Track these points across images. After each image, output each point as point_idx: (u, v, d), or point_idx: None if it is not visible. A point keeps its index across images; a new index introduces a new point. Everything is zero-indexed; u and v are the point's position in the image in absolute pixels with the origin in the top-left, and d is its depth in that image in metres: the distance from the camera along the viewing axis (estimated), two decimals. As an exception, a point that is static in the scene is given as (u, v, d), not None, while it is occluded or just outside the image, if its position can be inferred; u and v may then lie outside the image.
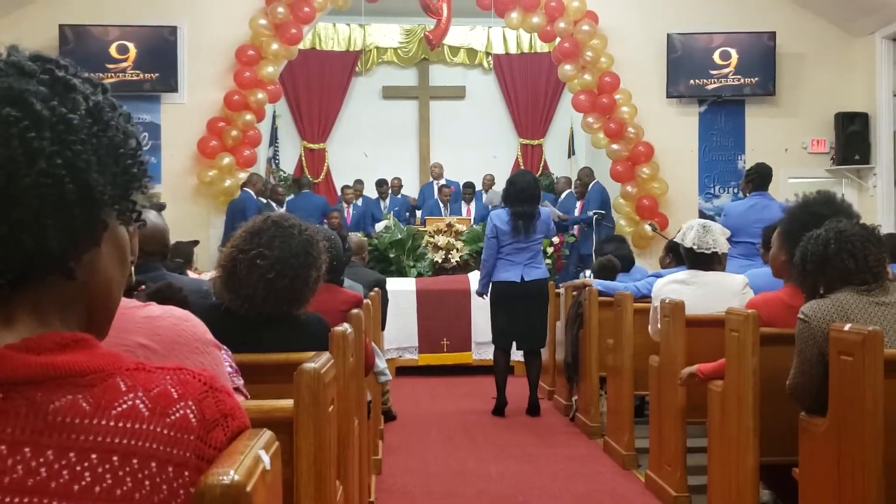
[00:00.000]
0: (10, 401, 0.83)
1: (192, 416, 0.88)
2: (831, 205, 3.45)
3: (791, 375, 2.99)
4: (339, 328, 2.55)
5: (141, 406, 0.86)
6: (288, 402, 1.85)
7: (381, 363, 4.19)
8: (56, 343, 0.87)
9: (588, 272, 6.41)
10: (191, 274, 5.32)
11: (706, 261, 4.54)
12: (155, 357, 1.86)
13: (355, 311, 3.38)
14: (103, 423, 0.84)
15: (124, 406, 0.86)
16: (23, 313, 0.89)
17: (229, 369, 2.25)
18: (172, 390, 0.89)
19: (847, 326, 2.70)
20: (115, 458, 0.83)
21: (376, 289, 5.84)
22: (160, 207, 9.55)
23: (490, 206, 10.97)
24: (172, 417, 0.87)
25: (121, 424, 0.85)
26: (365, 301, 4.08)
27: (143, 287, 2.47)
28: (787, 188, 10.80)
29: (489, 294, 6.64)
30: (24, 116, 0.86)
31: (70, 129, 0.89)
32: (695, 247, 4.50)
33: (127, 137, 0.98)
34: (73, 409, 0.84)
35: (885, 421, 2.60)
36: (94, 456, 0.83)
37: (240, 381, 2.30)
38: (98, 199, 0.91)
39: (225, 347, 2.31)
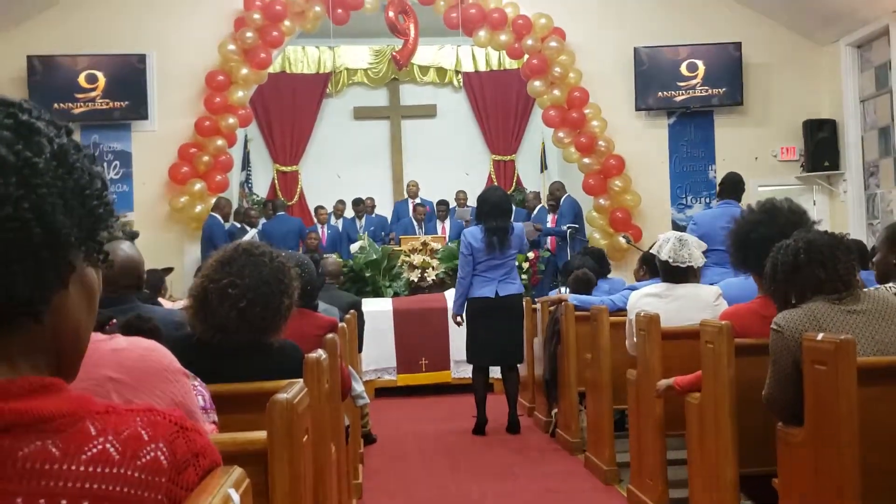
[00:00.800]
0: None
1: (162, 457, 0.88)
2: (775, 215, 3.56)
3: (766, 386, 3.00)
4: (312, 355, 2.53)
5: (111, 450, 0.86)
6: (261, 434, 1.84)
7: (358, 387, 4.17)
8: (24, 388, 0.86)
9: (563, 288, 6.41)
10: (164, 302, 5.28)
11: (681, 274, 4.55)
12: (124, 389, 1.84)
13: (330, 335, 3.37)
14: (73, 468, 0.84)
15: (94, 450, 0.85)
16: None
17: (202, 402, 2.23)
18: (143, 432, 0.89)
19: (820, 336, 2.71)
20: None
21: (352, 311, 5.83)
22: (133, 236, 9.48)
23: (462, 222, 11.00)
24: (143, 460, 0.87)
25: (91, 469, 0.84)
26: (340, 324, 4.06)
27: (115, 321, 2.45)
28: (758, 196, 10.86)
29: (465, 311, 6.62)
30: None
31: (35, 172, 0.88)
32: (670, 260, 4.51)
33: (92, 178, 0.97)
34: (43, 455, 0.83)
35: (860, 428, 2.61)
36: (64, 502, 0.82)
37: (214, 416, 2.28)
38: (65, 241, 0.90)
39: (199, 380, 2.29)
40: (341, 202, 12.46)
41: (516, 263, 6.87)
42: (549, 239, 10.63)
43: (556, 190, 11.14)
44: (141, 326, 2.41)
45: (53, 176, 0.91)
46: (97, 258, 0.99)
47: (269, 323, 2.59)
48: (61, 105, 10.22)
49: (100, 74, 10.32)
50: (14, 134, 0.90)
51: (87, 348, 1.02)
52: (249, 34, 10.35)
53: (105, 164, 10.47)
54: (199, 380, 2.29)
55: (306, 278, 3.61)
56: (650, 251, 5.87)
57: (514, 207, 11.66)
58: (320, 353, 2.57)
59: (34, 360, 0.92)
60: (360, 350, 6.42)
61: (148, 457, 0.87)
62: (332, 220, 12.15)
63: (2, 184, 0.85)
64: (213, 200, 10.27)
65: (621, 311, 5.36)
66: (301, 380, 2.19)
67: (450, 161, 14.15)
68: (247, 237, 10.14)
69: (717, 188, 7.23)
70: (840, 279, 2.89)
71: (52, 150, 0.92)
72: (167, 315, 3.30)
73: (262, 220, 11.26)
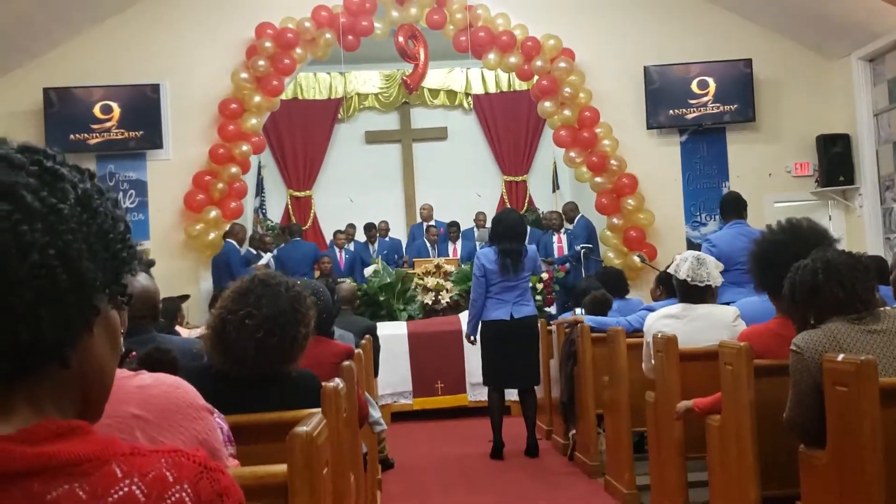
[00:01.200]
0: (6, 493, 0.83)
1: (187, 498, 0.89)
2: (793, 232, 3.51)
3: (787, 408, 2.97)
4: (330, 384, 2.53)
5: (137, 492, 0.87)
6: (282, 467, 1.84)
7: (375, 413, 4.16)
8: (51, 432, 0.87)
9: (579, 309, 6.39)
10: (181, 330, 5.29)
11: (699, 293, 4.51)
12: (149, 426, 1.85)
13: (347, 362, 3.36)
14: None
15: (121, 493, 0.86)
16: (18, 403, 0.89)
17: (221, 436, 2.23)
18: (168, 474, 0.89)
19: (840, 357, 2.69)
20: None
21: (367, 336, 5.82)
22: (149, 264, 9.53)
23: (481, 245, 11.00)
24: (169, 501, 0.88)
25: None
26: (356, 351, 4.06)
27: (134, 353, 2.46)
28: (774, 213, 10.85)
29: (480, 334, 6.60)
30: (16, 210, 0.87)
31: (61, 218, 0.90)
32: (689, 279, 4.47)
33: (115, 222, 0.99)
34: (71, 499, 0.84)
35: (885, 450, 2.59)
36: None
37: (232, 449, 2.28)
38: (90, 285, 0.92)
39: (218, 413, 2.29)
40: (352, 226, 12.48)
41: (530, 285, 6.86)
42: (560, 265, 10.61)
43: (570, 210, 11.15)
44: (160, 359, 2.41)
45: (78, 221, 0.92)
46: (121, 300, 1.00)
47: (287, 353, 2.59)
48: (77, 136, 10.31)
49: (114, 105, 10.41)
50: (39, 181, 0.91)
51: (111, 388, 1.03)
52: (262, 62, 10.43)
53: (121, 194, 10.53)
54: (217, 412, 2.29)
55: (322, 306, 3.61)
56: (667, 271, 5.86)
57: (528, 229, 11.73)
58: (338, 383, 2.56)
59: (60, 403, 0.93)
60: (375, 375, 6.41)
61: (173, 498, 0.88)
62: (346, 244, 12.16)
63: (28, 231, 0.86)
64: (228, 227, 10.31)
65: (638, 331, 5.34)
66: (319, 410, 2.18)
67: (462, 183, 14.17)
68: (262, 262, 10.19)
69: (721, 211, 7.13)
70: (859, 299, 2.87)
71: (76, 196, 0.94)
72: (184, 344, 3.32)
73: (276, 246, 11.27)
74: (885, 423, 2.59)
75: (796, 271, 3.01)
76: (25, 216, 0.87)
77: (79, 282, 0.90)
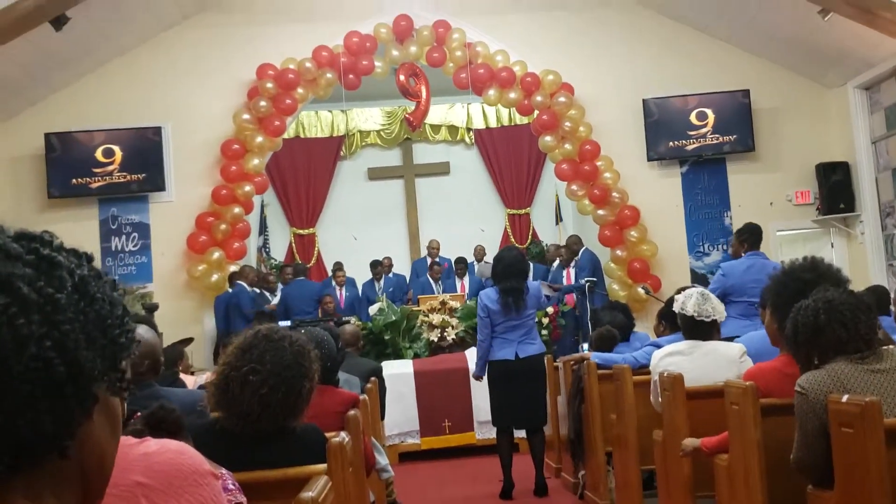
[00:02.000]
0: None
1: None
2: (816, 269, 3.47)
3: (794, 449, 2.96)
4: (336, 439, 2.53)
5: None
6: (289, 531, 1.83)
7: (382, 460, 4.15)
8: None
9: (585, 345, 6.38)
10: (184, 378, 5.29)
11: (705, 329, 4.51)
12: (154, 494, 1.84)
13: (352, 412, 3.36)
14: None
15: None
16: (15, 496, 0.88)
17: (231, 486, 2.23)
18: None
19: (845, 398, 2.68)
20: None
21: (373, 378, 5.81)
22: (153, 308, 9.58)
23: (483, 278, 11.00)
24: None
25: None
26: (361, 397, 4.05)
27: (139, 414, 2.46)
28: (776, 241, 10.89)
29: (486, 374, 6.58)
30: (13, 302, 0.86)
31: (57, 308, 0.89)
32: (696, 315, 4.48)
33: (113, 307, 0.98)
34: None
35: (892, 490, 2.57)
36: None
37: (243, 499, 2.27)
38: (89, 375, 0.91)
39: (224, 469, 2.29)
40: (340, 269, 12.20)
41: (535, 321, 6.85)
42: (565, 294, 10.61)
43: (574, 244, 11.16)
44: (165, 417, 2.42)
45: (76, 310, 0.92)
46: (120, 388, 1.00)
47: (292, 408, 2.59)
48: (79, 180, 10.37)
49: (116, 148, 10.47)
50: (35, 270, 0.91)
51: (112, 472, 1.03)
52: (263, 103, 10.51)
53: (124, 237, 10.58)
54: (223, 469, 2.29)
55: (326, 355, 3.61)
56: (669, 307, 5.85)
57: (531, 265, 11.73)
58: (343, 437, 2.56)
59: (59, 492, 0.92)
60: (382, 418, 6.39)
61: None
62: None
63: (25, 323, 0.86)
64: (231, 269, 10.32)
65: (644, 367, 5.32)
66: (324, 469, 2.18)
67: (465, 217, 14.22)
68: (274, 301, 10.22)
69: (736, 238, 7.17)
70: (862, 338, 2.87)
71: (73, 283, 0.93)
72: (188, 398, 3.31)
73: (281, 286, 11.27)
74: (891, 464, 2.58)
75: (798, 312, 3.01)
76: (22, 308, 0.86)
77: (77, 372, 0.89)
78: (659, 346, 5.04)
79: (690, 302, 4.56)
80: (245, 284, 10.12)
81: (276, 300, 10.41)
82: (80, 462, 0.95)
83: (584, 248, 11.03)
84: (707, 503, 4.22)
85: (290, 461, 2.50)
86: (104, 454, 0.99)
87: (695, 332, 4.57)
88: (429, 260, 12.51)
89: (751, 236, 6.90)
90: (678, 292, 6.57)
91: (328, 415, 3.31)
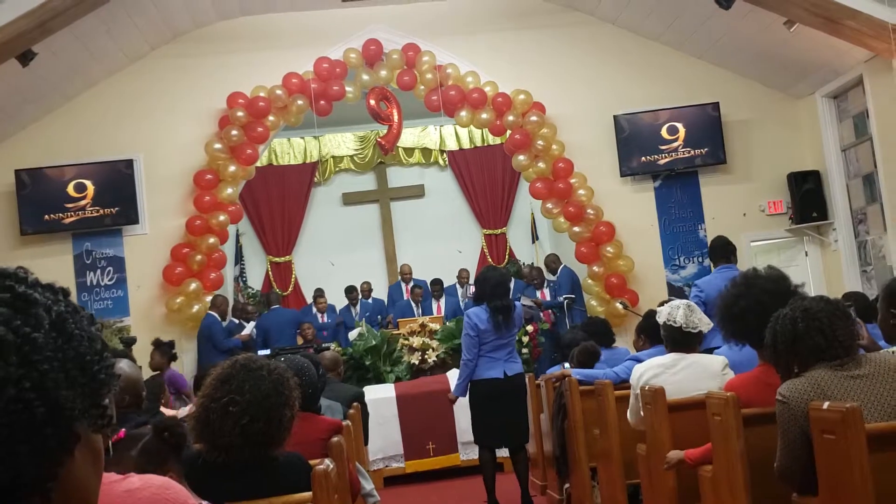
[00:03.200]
0: None
1: None
2: (752, 285, 3.73)
3: (777, 457, 2.98)
4: (320, 467, 2.51)
5: None
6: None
7: (367, 485, 4.11)
8: None
9: (566, 363, 6.38)
10: (165, 411, 5.25)
11: (690, 340, 4.53)
12: (138, 529, 1.82)
13: (336, 438, 3.34)
14: None
15: None
16: None
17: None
18: None
19: (826, 404, 2.70)
20: None
21: (356, 403, 5.77)
22: (131, 342, 9.47)
23: (469, 300, 10.99)
24: None
25: None
26: (345, 423, 4.03)
27: (123, 432, 2.42)
28: (750, 252, 10.97)
29: (469, 393, 6.55)
30: None
31: (35, 348, 0.88)
32: (683, 326, 4.49)
33: (92, 342, 0.97)
34: None
35: (875, 494, 2.58)
36: None
37: None
38: (69, 414, 0.90)
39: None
40: (321, 296, 12.11)
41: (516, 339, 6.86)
42: (542, 312, 10.62)
43: (552, 262, 11.20)
44: (171, 427, 2.38)
45: (54, 348, 0.90)
46: (102, 423, 0.98)
47: (273, 437, 2.57)
48: (52, 216, 10.29)
49: (88, 183, 10.40)
50: (11, 309, 0.89)
51: None
52: (234, 132, 10.48)
53: (99, 271, 10.49)
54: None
55: (307, 382, 3.59)
56: (647, 321, 5.87)
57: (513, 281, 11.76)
58: (327, 464, 2.54)
59: None
60: (366, 443, 6.34)
61: None
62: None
63: (2, 365, 0.85)
64: (209, 299, 10.24)
65: (625, 382, 5.33)
66: (309, 497, 2.16)
67: (442, 239, 14.22)
68: (246, 332, 10.13)
69: (710, 255, 7.29)
70: (840, 345, 2.90)
71: (50, 321, 0.92)
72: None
73: (257, 315, 11.20)
74: (874, 468, 2.60)
75: (776, 321, 3.04)
76: None
77: (57, 412, 0.88)
78: (639, 361, 5.05)
79: (679, 313, 4.56)
80: (216, 315, 10.04)
81: (247, 330, 10.30)
82: (64, 500, 0.93)
83: (562, 266, 11.07)
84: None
85: (275, 490, 2.48)
86: (87, 491, 0.98)
87: (679, 344, 4.57)
88: (403, 284, 12.50)
89: (717, 250, 6.99)
90: (660, 305, 6.63)
91: (311, 442, 3.29)
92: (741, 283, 3.82)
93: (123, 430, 2.47)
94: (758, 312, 3.51)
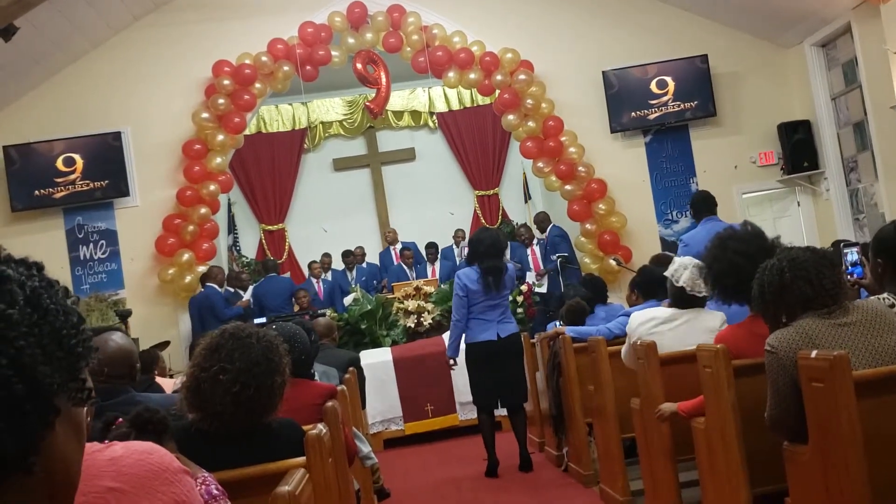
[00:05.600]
0: None
1: None
2: (720, 247, 3.80)
3: (768, 407, 3.00)
4: (313, 432, 2.53)
5: None
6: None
7: (364, 448, 4.15)
8: None
9: (558, 322, 6.41)
10: (162, 381, 5.26)
11: (695, 302, 4.51)
12: (125, 497, 1.83)
13: (330, 403, 3.36)
14: None
15: None
16: None
17: (216, 491, 2.22)
18: None
19: (814, 353, 2.72)
20: None
21: (351, 368, 5.81)
22: (126, 314, 9.49)
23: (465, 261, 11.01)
24: None
25: None
26: (340, 387, 4.05)
27: (121, 420, 2.44)
28: (742, 204, 10.98)
29: (465, 355, 6.59)
30: None
31: (10, 325, 0.88)
32: (687, 288, 4.46)
33: (67, 316, 0.97)
34: None
35: (864, 441, 2.61)
36: None
37: (227, 502, 2.27)
38: (48, 389, 0.90)
39: (205, 471, 2.28)
40: (327, 255, 12.41)
41: (510, 300, 6.88)
42: (533, 270, 10.66)
43: (542, 220, 11.20)
44: (150, 418, 2.40)
45: (29, 324, 0.90)
46: (81, 398, 0.98)
47: (265, 404, 2.58)
48: (42, 191, 10.25)
49: (77, 157, 10.35)
50: None
51: (79, 479, 1.02)
52: (221, 100, 10.41)
53: (92, 245, 10.47)
54: (204, 471, 2.28)
55: (299, 349, 3.60)
56: (641, 276, 5.89)
57: (508, 243, 11.78)
58: (320, 429, 2.56)
59: None
60: (363, 407, 6.39)
61: None
62: (323, 274, 12.09)
63: None
64: (203, 270, 10.23)
65: (619, 338, 5.35)
66: (303, 462, 2.18)
67: (434, 202, 14.20)
68: (246, 296, 10.17)
69: (690, 210, 7.27)
70: (827, 293, 2.90)
71: (25, 296, 0.92)
72: (163, 402, 3.29)
73: (254, 282, 11.22)
74: (862, 415, 2.62)
75: (763, 272, 3.05)
76: None
77: (35, 388, 0.88)
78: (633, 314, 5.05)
79: (685, 274, 4.49)
80: (215, 285, 10.05)
81: (246, 296, 10.34)
82: (46, 474, 0.93)
83: (551, 225, 11.06)
84: (688, 466, 4.27)
85: (269, 457, 2.49)
86: (70, 463, 0.98)
87: (682, 303, 4.55)
88: (391, 248, 12.50)
89: (699, 205, 6.99)
90: (653, 261, 6.64)
91: (306, 408, 3.31)
92: (716, 245, 3.88)
93: (120, 418, 2.48)
94: (732, 274, 3.65)
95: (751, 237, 3.79)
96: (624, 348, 4.75)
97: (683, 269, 4.54)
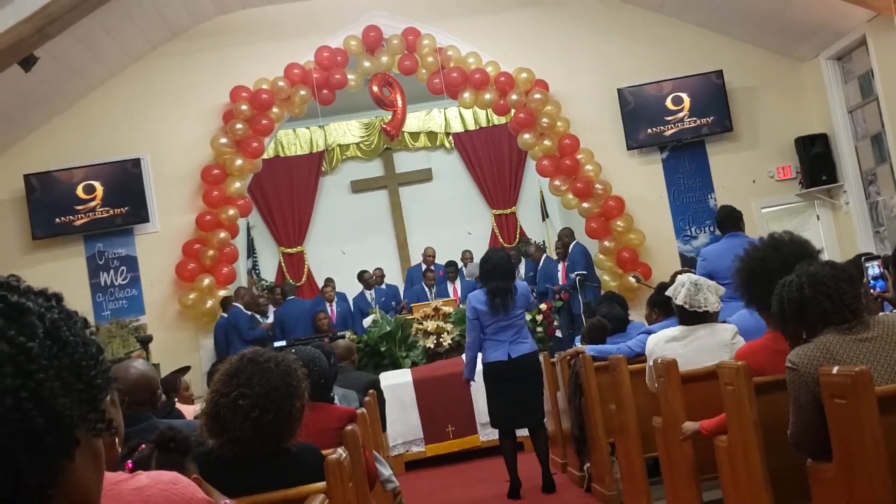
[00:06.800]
0: None
1: None
2: (775, 248, 3.54)
3: (790, 424, 2.98)
4: (333, 457, 2.53)
5: None
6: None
7: (385, 471, 4.14)
8: None
9: (577, 338, 6.39)
10: (183, 407, 5.28)
11: (700, 318, 4.51)
12: (150, 528, 1.84)
13: (350, 427, 3.35)
14: None
15: None
16: None
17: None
18: None
19: (835, 369, 2.70)
20: None
21: (371, 391, 5.80)
22: (147, 340, 9.51)
23: (474, 279, 11.01)
24: None
25: None
26: (360, 410, 4.05)
27: (143, 447, 2.45)
28: (762, 218, 10.93)
29: (481, 376, 6.57)
30: None
31: (31, 358, 0.88)
32: (686, 305, 4.48)
33: (87, 347, 0.97)
34: None
35: (888, 457, 2.58)
36: None
37: None
38: (67, 421, 0.91)
39: (227, 499, 2.29)
40: (330, 281, 12.11)
41: (527, 320, 6.85)
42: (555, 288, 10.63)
43: (566, 237, 11.17)
44: (173, 437, 2.41)
45: (49, 356, 0.91)
46: (101, 429, 0.99)
47: (284, 429, 2.59)
48: (62, 219, 10.33)
49: (97, 184, 10.44)
50: (5, 319, 0.90)
51: None
52: (239, 125, 10.49)
53: (112, 271, 10.55)
54: (227, 498, 2.29)
55: (318, 372, 3.61)
56: (659, 294, 5.86)
57: (522, 261, 11.76)
58: (340, 454, 2.56)
59: None
60: (384, 429, 6.38)
61: None
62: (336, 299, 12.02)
63: None
64: (222, 294, 10.28)
65: (640, 356, 5.33)
66: (323, 487, 2.18)
67: (452, 221, 14.21)
68: (269, 321, 10.21)
69: (717, 225, 7.30)
70: (847, 308, 2.89)
71: (44, 329, 0.92)
72: (185, 428, 3.30)
73: (272, 308, 11.24)
74: (886, 431, 2.59)
75: (782, 287, 3.03)
76: None
77: (55, 420, 0.88)
78: (652, 333, 5.05)
79: (682, 292, 4.54)
80: (241, 306, 10.11)
81: (269, 321, 10.39)
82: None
83: (574, 242, 11.04)
84: (711, 485, 4.23)
85: (289, 482, 2.49)
86: (89, 493, 0.98)
87: (689, 320, 4.56)
88: (424, 267, 12.49)
89: (725, 219, 6.99)
90: (672, 278, 6.62)
91: (325, 432, 3.31)
92: (768, 246, 3.70)
93: (143, 445, 2.48)
94: (785, 273, 3.35)
95: (802, 241, 3.65)
96: (647, 374, 4.73)
97: (681, 287, 4.55)
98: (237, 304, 10.11)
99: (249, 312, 10.49)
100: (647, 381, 4.72)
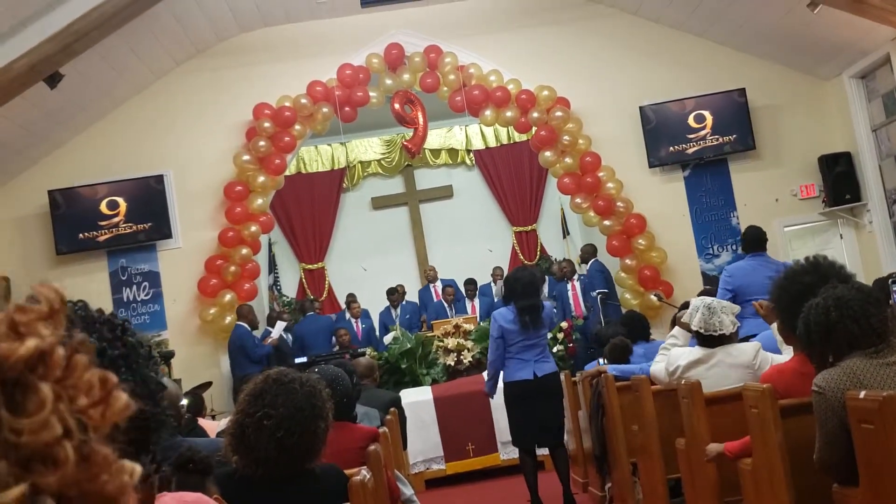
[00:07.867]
0: None
1: None
2: (817, 270, 3.46)
3: (817, 449, 2.95)
4: (356, 478, 2.53)
5: None
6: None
7: (407, 491, 4.13)
8: None
9: (602, 360, 6.37)
10: (205, 423, 5.29)
11: (716, 341, 4.48)
12: (175, 548, 1.85)
13: (372, 447, 3.35)
14: None
15: None
16: None
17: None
18: None
19: (862, 394, 2.67)
20: None
21: (392, 409, 5.80)
22: (169, 356, 9.58)
23: (500, 297, 11.00)
24: None
25: None
26: (381, 429, 4.05)
27: (164, 470, 2.45)
28: (784, 237, 10.87)
29: (503, 395, 6.56)
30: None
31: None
32: (701, 330, 4.46)
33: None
34: None
35: (918, 483, 2.56)
36: None
37: None
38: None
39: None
40: (352, 296, 12.23)
41: (549, 338, 6.85)
42: (573, 305, 10.62)
43: (587, 252, 11.16)
44: (193, 457, 2.42)
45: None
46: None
47: (309, 449, 2.59)
48: (86, 234, 10.42)
49: (120, 200, 10.52)
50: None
51: None
52: (262, 143, 10.56)
53: (135, 287, 10.62)
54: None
55: (341, 392, 3.61)
56: (680, 315, 5.84)
57: (546, 279, 11.74)
58: (364, 475, 2.56)
59: None
60: (404, 448, 6.37)
61: None
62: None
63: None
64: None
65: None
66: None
67: (472, 238, 14.21)
68: (274, 335, 10.19)
69: (742, 244, 7.32)
70: (874, 332, 2.86)
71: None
72: (210, 447, 3.31)
73: (292, 322, 11.26)
74: (916, 457, 2.57)
75: (808, 311, 3.01)
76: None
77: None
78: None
79: (696, 317, 4.51)
80: (245, 325, 10.12)
81: (275, 332, 10.34)
82: None
83: (593, 260, 11.01)
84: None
85: (313, 503, 2.49)
86: None
87: (708, 343, 4.53)
88: (431, 286, 12.49)
89: (751, 240, 7.01)
90: (699, 295, 6.60)
91: (348, 452, 3.31)
92: (809, 265, 3.55)
93: (164, 468, 2.49)
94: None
95: (839, 265, 3.54)
96: (657, 366, 4.72)
97: (695, 312, 4.52)
98: (241, 323, 10.11)
99: (271, 329, 10.52)
100: (656, 373, 4.72)
